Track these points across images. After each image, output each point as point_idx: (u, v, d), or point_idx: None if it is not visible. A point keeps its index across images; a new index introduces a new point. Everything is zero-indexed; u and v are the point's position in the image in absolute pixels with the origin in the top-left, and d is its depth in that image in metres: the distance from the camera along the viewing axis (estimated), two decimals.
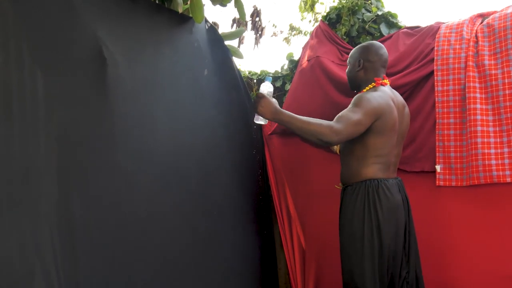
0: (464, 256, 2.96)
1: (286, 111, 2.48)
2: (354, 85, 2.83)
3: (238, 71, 3.61)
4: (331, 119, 3.31)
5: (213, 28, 3.07)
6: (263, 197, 3.85)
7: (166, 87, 2.31)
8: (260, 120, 2.60)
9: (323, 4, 6.84)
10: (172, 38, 2.48)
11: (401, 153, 2.85)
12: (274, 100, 2.55)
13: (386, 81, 2.73)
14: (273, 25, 7.34)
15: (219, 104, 3.03)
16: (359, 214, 2.50)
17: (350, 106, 2.52)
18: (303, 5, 6.68)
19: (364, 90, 2.69)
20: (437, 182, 3.04)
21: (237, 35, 3.67)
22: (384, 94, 2.59)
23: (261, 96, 2.51)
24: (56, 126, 1.57)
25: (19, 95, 1.46)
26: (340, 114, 2.47)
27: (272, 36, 7.53)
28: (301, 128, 2.42)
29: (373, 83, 2.68)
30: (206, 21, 2.99)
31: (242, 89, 3.58)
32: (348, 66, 2.86)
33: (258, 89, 4.20)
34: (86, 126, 1.70)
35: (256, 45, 6.00)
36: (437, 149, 3.05)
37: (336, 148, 3.04)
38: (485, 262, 2.88)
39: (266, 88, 2.64)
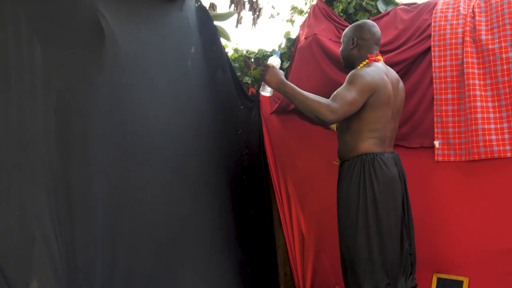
0: (463, 231, 2.99)
1: (291, 84, 2.55)
2: (348, 63, 2.86)
3: (226, 53, 3.59)
4: (331, 95, 3.34)
5: (202, 6, 3.05)
6: (246, 176, 3.83)
7: (153, 62, 2.30)
8: (265, 91, 2.77)
9: None
10: (162, 13, 2.46)
11: (399, 129, 2.87)
12: (281, 71, 2.63)
13: (380, 57, 2.76)
14: (272, 6, 7.30)
15: (204, 83, 3.01)
16: (355, 188, 2.54)
17: (344, 84, 2.54)
18: None
19: (358, 67, 2.71)
20: (436, 157, 3.05)
21: (227, 17, 3.64)
22: (377, 69, 2.62)
23: (270, 66, 2.62)
24: (54, 95, 1.58)
25: (17, 63, 1.45)
26: (335, 92, 2.50)
27: (270, 18, 7.51)
28: (300, 101, 2.49)
29: (366, 60, 2.71)
30: (197, 0, 2.99)
31: (229, 71, 3.56)
32: (342, 45, 2.89)
33: (255, 68, 4.20)
34: (82, 94, 1.71)
35: (253, 26, 5.98)
36: (435, 124, 3.06)
37: (333, 125, 3.05)
38: (484, 236, 2.90)
39: (274, 61, 2.74)
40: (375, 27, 2.79)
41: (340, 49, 2.92)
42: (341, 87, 2.52)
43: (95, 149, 1.73)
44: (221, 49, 3.38)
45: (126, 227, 1.92)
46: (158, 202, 2.27)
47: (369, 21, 2.83)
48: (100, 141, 1.76)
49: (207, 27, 3.12)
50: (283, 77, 2.58)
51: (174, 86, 2.49)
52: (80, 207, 1.61)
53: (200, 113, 2.89)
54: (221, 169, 3.24)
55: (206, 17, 3.09)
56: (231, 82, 3.57)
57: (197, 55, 2.87)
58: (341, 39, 2.91)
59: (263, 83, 2.78)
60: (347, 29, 2.88)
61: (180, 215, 2.53)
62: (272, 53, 4.14)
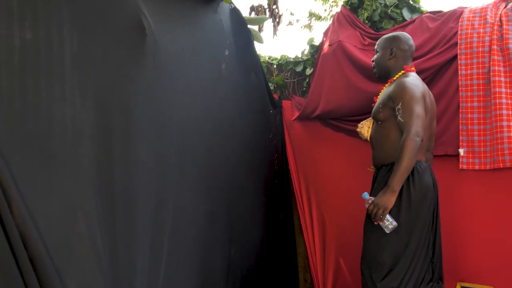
0: (487, 238, 2.98)
1: (391, 179, 2.44)
2: (383, 72, 2.86)
3: (258, 56, 3.61)
4: (355, 102, 3.36)
5: (236, 10, 3.07)
6: (278, 181, 3.85)
7: (187, 63, 2.30)
8: (393, 225, 2.46)
9: None
10: (197, 15, 2.48)
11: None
12: (377, 197, 2.50)
13: (413, 69, 2.81)
14: (291, 13, 7.34)
15: (236, 86, 3.03)
16: None
17: (399, 105, 2.52)
18: None
19: (394, 78, 2.74)
20: (460, 165, 3.04)
21: (260, 22, 3.66)
22: (416, 78, 2.68)
23: (374, 205, 2.47)
24: (97, 92, 1.59)
25: (60, 60, 1.46)
26: (403, 120, 2.47)
27: (288, 25, 7.53)
28: (407, 166, 2.41)
29: (402, 71, 2.74)
30: (231, 2, 3.01)
31: (261, 73, 3.58)
32: (377, 54, 2.89)
33: (278, 74, 4.22)
34: (124, 92, 1.73)
35: (274, 34, 6.00)
36: (460, 132, 3.05)
37: (367, 134, 2.99)
38: (509, 244, 2.89)
39: (368, 199, 2.58)
40: (411, 40, 2.83)
41: (375, 58, 2.91)
42: (402, 112, 2.50)
43: (136, 146, 1.75)
44: (254, 52, 3.41)
45: (166, 224, 1.94)
46: (195, 200, 2.30)
47: (406, 34, 2.86)
48: (141, 138, 1.78)
49: (241, 30, 3.15)
50: (384, 192, 2.46)
51: (207, 88, 2.51)
52: (122, 203, 1.63)
53: (233, 116, 2.90)
54: (255, 171, 3.27)
55: (240, 20, 3.12)
56: (263, 85, 3.59)
57: (231, 58, 2.88)
58: (375, 49, 2.93)
59: (387, 222, 2.46)
60: (382, 39, 2.89)
61: (216, 215, 2.58)
62: (295, 60, 4.17)
